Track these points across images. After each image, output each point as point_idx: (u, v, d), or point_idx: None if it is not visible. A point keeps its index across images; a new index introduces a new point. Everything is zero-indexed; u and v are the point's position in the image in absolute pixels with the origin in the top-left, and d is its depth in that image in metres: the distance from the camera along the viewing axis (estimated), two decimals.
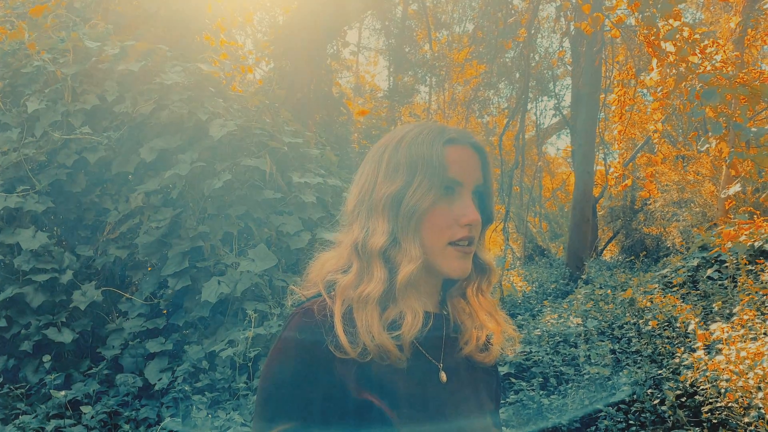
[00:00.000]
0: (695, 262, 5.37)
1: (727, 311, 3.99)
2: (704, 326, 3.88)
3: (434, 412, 0.96)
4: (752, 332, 3.07)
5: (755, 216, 5.70)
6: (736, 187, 3.87)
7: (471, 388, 1.05)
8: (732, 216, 5.98)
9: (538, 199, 23.40)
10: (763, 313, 3.58)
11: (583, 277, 7.88)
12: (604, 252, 16.50)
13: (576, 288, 6.89)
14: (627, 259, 14.00)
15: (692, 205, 10.83)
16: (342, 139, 7.63)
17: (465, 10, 18.48)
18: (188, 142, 3.39)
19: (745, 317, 3.21)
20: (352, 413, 0.89)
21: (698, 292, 4.89)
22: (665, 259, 11.98)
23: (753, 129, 3.91)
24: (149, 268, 3.37)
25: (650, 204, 12.50)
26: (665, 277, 5.69)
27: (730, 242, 3.86)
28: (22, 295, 3.03)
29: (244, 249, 3.29)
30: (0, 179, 3.17)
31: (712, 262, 5.44)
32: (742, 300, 3.68)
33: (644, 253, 11.03)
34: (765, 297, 3.81)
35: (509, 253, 13.31)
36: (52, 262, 3.14)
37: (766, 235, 5.29)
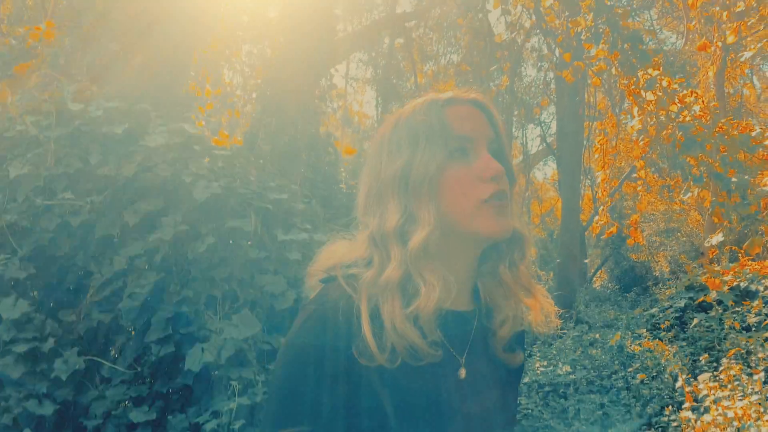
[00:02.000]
0: (682, 303, 5.39)
1: (714, 363, 4.00)
2: (693, 376, 3.88)
3: (446, 407, 0.91)
4: (740, 388, 3.07)
5: (740, 255, 5.75)
6: (719, 237, 3.91)
7: (491, 387, 0.99)
8: (717, 252, 6.00)
9: (527, 221, 23.52)
10: (749, 366, 3.59)
11: (573, 314, 7.88)
12: (595, 279, 16.56)
13: (567, 326, 6.90)
14: (616, 287, 14.06)
15: (679, 234, 10.94)
16: (330, 178, 7.65)
17: (450, 41, 18.66)
18: (172, 205, 3.38)
19: (732, 372, 3.21)
20: (363, 416, 0.85)
21: (686, 336, 4.90)
22: (654, 288, 12.03)
23: (733, 179, 3.96)
24: (133, 332, 3.34)
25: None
26: (653, 316, 5.71)
27: (714, 292, 3.88)
28: (1, 367, 2.98)
29: (229, 313, 3.26)
30: None
31: (699, 302, 5.47)
32: (729, 352, 3.69)
33: (634, 288, 11.09)
34: (751, 346, 3.83)
35: None
36: (33, 330, 3.11)
37: (750, 275, 5.34)
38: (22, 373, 2.99)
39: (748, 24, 4.04)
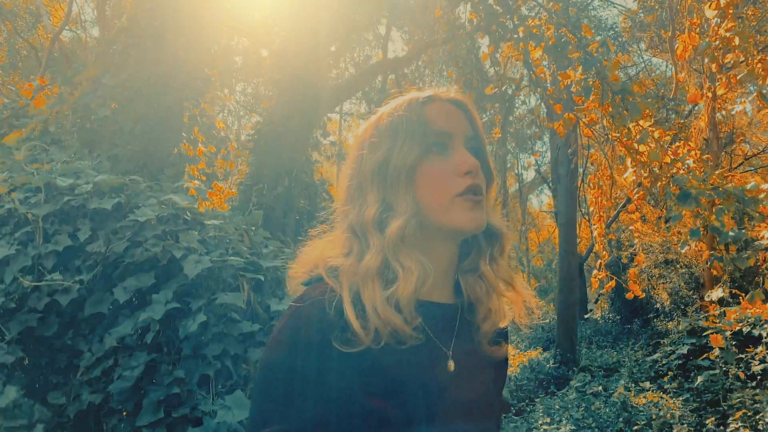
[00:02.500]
0: (685, 350, 5.32)
1: (721, 420, 3.91)
2: None
3: (437, 400, 0.92)
4: None
5: (741, 297, 5.69)
6: (718, 293, 3.86)
7: (478, 380, 1.01)
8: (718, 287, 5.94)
9: (525, 253, 23.44)
10: (758, 430, 3.51)
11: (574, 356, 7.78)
12: (596, 308, 16.44)
13: (569, 370, 6.81)
14: (617, 317, 13.95)
15: (678, 265, 10.89)
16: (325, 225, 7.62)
17: (442, 75, 18.83)
18: (163, 280, 3.33)
19: None
20: (357, 418, 0.85)
21: (690, 386, 4.82)
22: (656, 320, 11.95)
23: (730, 233, 3.92)
24: (124, 413, 3.25)
25: (636, 265, 12.59)
26: (656, 362, 5.63)
27: (717, 349, 3.82)
28: None
29: (222, 392, 3.19)
30: None
31: (702, 348, 5.39)
32: (736, 412, 3.61)
33: (635, 320, 11.00)
34: (758, 404, 3.75)
35: None
36: (22, 418, 3.02)
37: (753, 319, 5.27)
38: None
39: (738, 77, 4.05)
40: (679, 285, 11.06)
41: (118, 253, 3.34)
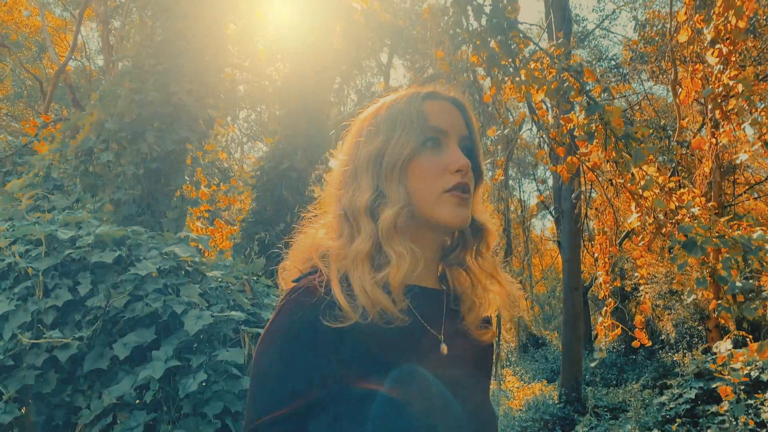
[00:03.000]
0: (693, 394, 5.23)
1: None
2: None
3: (436, 386, 0.93)
4: None
5: (749, 340, 5.62)
6: (727, 344, 3.81)
7: (470, 363, 1.04)
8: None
9: (528, 280, 23.34)
10: None
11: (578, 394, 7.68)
12: (600, 338, 16.30)
13: (574, 411, 6.71)
14: (621, 347, 13.81)
15: (682, 296, 10.82)
16: None
17: None
18: (163, 336, 3.29)
19: None
20: (353, 401, 0.86)
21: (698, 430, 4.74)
22: (661, 352, 11.83)
23: (738, 283, 3.88)
24: None
25: (641, 296, 12.51)
26: (664, 405, 5.54)
27: (726, 401, 3.75)
28: None
29: None
30: None
31: (710, 393, 5.31)
32: None
33: (640, 351, 10.94)
34: None
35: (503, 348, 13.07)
36: None
37: (761, 362, 5.20)
38: None
39: (742, 127, 4.05)
40: (684, 316, 10.96)
41: (119, 308, 3.31)
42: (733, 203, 14.89)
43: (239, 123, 19.63)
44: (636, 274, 11.17)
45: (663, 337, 12.27)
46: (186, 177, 4.99)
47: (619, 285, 8.29)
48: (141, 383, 3.10)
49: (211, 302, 3.49)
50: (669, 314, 11.80)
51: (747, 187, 14.79)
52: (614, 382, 10.67)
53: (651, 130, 12.88)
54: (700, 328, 10.87)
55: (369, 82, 24.54)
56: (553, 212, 14.74)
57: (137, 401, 3.21)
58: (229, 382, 3.31)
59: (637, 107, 14.93)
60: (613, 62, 13.23)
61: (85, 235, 3.57)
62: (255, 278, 3.89)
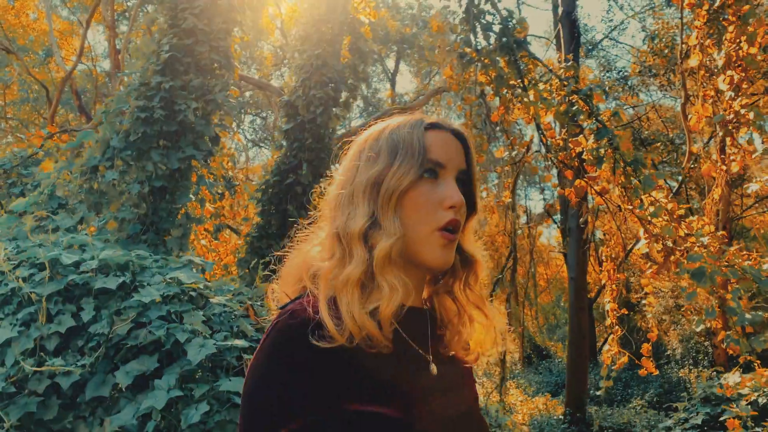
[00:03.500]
0: (699, 420, 5.18)
1: None
2: None
3: (425, 402, 0.94)
4: None
5: (756, 365, 5.57)
6: (735, 378, 3.75)
7: (459, 384, 1.06)
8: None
9: (534, 289, 23.26)
10: None
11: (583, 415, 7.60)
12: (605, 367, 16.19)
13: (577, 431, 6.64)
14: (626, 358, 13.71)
15: (688, 312, 10.76)
16: None
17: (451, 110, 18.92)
18: (165, 363, 3.27)
19: None
20: (346, 422, 0.85)
21: None
22: (666, 367, 11.74)
23: (748, 316, 3.84)
24: None
25: (647, 308, 12.43)
26: (670, 430, 5.48)
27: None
28: None
29: None
30: None
31: (716, 418, 5.25)
32: None
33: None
34: None
35: (507, 364, 13.01)
36: None
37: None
38: None
39: (753, 156, 4.00)
40: (690, 332, 10.88)
41: (122, 335, 3.28)
42: (741, 216, 14.80)
43: (244, 129, 19.66)
44: (642, 289, 11.10)
45: (669, 352, 12.19)
46: (191, 196, 4.97)
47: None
48: (143, 413, 3.08)
49: (215, 329, 3.47)
50: (675, 329, 11.72)
51: (755, 200, 14.70)
52: (619, 397, 10.59)
53: (659, 144, 12.81)
54: (706, 344, 10.79)
55: (375, 88, 24.47)
56: (558, 223, 14.69)
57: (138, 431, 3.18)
58: (232, 412, 3.28)
59: (645, 118, 14.86)
60: (621, 74, 13.18)
61: (89, 259, 3.54)
62: (258, 303, 3.86)
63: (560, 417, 8.07)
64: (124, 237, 4.55)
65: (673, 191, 12.68)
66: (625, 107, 15.23)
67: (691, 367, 11.16)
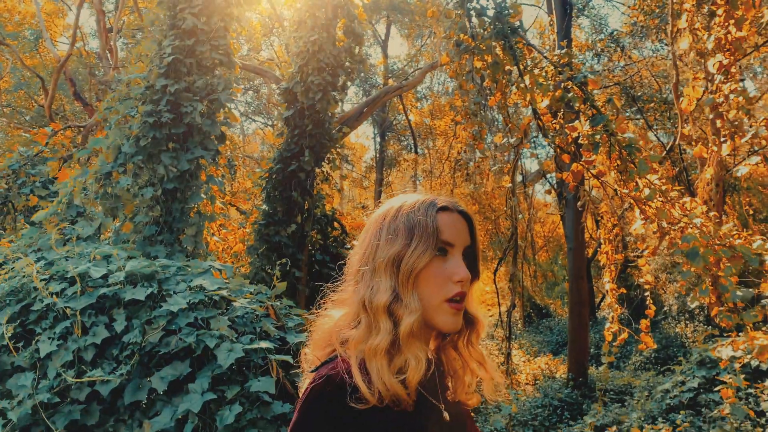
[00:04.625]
0: (695, 383, 5.47)
1: None
2: None
3: None
4: None
5: (748, 328, 5.84)
6: (728, 350, 3.99)
7: (463, 422, 1.24)
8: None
9: (531, 246, 23.58)
10: None
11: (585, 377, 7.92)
12: (604, 305, 16.61)
13: (581, 395, 6.97)
14: (627, 314, 14.09)
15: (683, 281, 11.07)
16: (337, 257, 7.77)
17: (446, 83, 18.82)
18: (197, 367, 3.49)
19: None
20: None
21: (701, 424, 4.98)
22: (664, 323, 12.11)
23: (738, 292, 4.06)
24: None
25: (643, 268, 12.78)
26: (668, 392, 5.79)
27: (728, 404, 3.96)
28: None
29: None
30: (15, 430, 3.24)
31: (712, 381, 5.54)
32: None
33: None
34: None
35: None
36: None
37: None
38: None
39: (742, 140, 4.16)
40: (687, 288, 11.18)
41: (154, 342, 3.50)
42: (735, 168, 14.96)
43: (237, 103, 19.58)
44: (636, 245, 11.33)
45: (666, 308, 12.55)
46: (202, 195, 5.12)
47: (621, 259, 8.46)
48: (181, 416, 3.32)
49: (240, 331, 3.68)
50: (671, 285, 12.05)
51: (749, 152, 14.87)
52: (619, 354, 10.97)
53: (652, 104, 12.87)
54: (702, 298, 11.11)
55: (367, 54, 24.28)
56: (554, 186, 14.86)
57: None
58: (262, 409, 3.52)
59: (638, 77, 14.90)
60: (614, 36, 13.14)
61: (116, 270, 3.73)
62: (278, 303, 4.06)
63: (562, 378, 8.44)
64: (140, 239, 4.72)
65: (667, 149, 12.82)
66: (617, 66, 15.23)
67: (687, 322, 11.51)
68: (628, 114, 18.49)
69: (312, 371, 1.14)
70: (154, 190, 4.79)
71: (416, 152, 17.95)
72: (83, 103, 12.38)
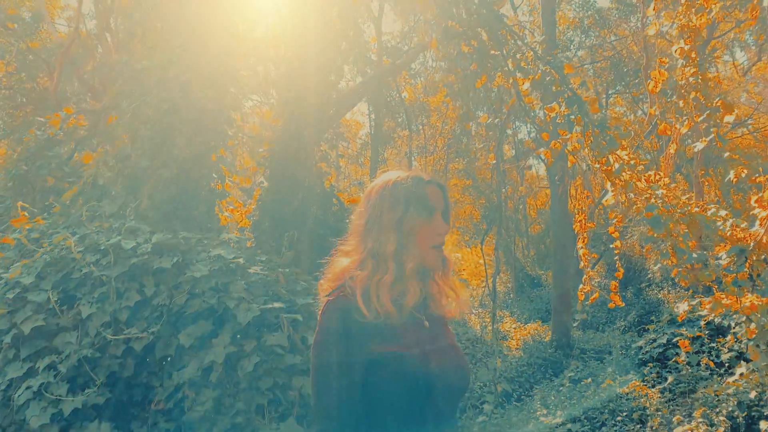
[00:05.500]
0: (664, 339, 6.03)
1: (690, 410, 4.64)
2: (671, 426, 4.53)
3: (423, 346, 1.59)
4: None
5: (714, 289, 6.38)
6: (684, 306, 4.52)
7: (440, 330, 1.70)
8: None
9: (525, 220, 24.12)
10: (713, 425, 4.23)
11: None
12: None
13: (564, 355, 7.54)
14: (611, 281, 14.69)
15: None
16: (337, 231, 8.25)
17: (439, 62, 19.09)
18: (219, 326, 4.00)
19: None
20: (373, 359, 1.51)
21: (667, 375, 5.55)
22: (648, 290, 12.70)
23: (694, 255, 4.60)
24: None
25: (627, 238, 13.36)
26: (641, 349, 6.35)
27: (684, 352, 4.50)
28: None
29: (275, 417, 3.89)
30: (64, 380, 3.75)
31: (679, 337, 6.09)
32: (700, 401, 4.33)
33: (629, 287, 11.77)
34: (720, 396, 4.46)
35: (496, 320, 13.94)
36: None
37: (723, 311, 5.96)
38: None
39: (699, 119, 4.65)
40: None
41: (180, 305, 3.99)
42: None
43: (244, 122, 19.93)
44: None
45: (649, 275, 13.15)
46: (214, 175, 5.59)
47: (594, 226, 8.93)
48: (206, 366, 3.83)
49: (255, 294, 4.18)
50: (655, 253, 12.61)
51: (732, 124, 15.35)
52: (603, 320, 11.56)
53: (637, 79, 13.29)
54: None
55: (360, 28, 24.37)
56: (542, 158, 15.28)
57: (202, 381, 3.94)
58: (276, 360, 4.04)
59: (625, 52, 15.27)
60: (601, 13, 13.51)
61: (144, 242, 4.22)
62: (286, 270, 4.56)
63: (548, 342, 9.03)
64: (160, 215, 5.20)
65: (651, 123, 13.27)
66: (605, 42, 15.59)
67: (670, 289, 12.09)
68: (618, 88, 18.93)
69: (326, 296, 1.63)
70: (170, 171, 5.25)
71: (410, 129, 18.33)
72: (86, 85, 12.75)
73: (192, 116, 5.35)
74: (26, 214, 4.69)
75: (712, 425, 4.15)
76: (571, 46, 15.18)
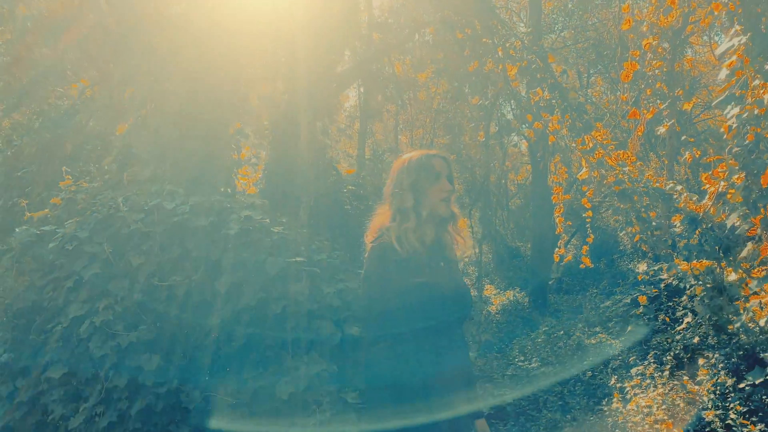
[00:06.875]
0: (629, 299, 6.85)
1: (643, 358, 5.47)
2: (629, 367, 5.34)
3: (439, 277, 2.24)
4: (652, 383, 4.51)
5: (673, 256, 7.20)
6: (644, 267, 5.29)
7: (453, 268, 2.37)
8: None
9: (505, 194, 24.94)
10: (662, 364, 5.04)
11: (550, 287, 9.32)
12: (569, 247, 18.16)
13: (540, 314, 8.35)
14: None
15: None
16: (335, 203, 8.93)
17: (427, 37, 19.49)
18: (251, 276, 4.68)
19: (647, 372, 4.65)
20: (406, 283, 2.16)
21: (630, 329, 6.38)
22: (619, 261, 13.60)
23: (653, 223, 5.36)
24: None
25: (602, 212, 14.27)
26: (608, 309, 7.18)
27: (642, 305, 5.30)
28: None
29: (299, 352, 4.61)
30: (122, 320, 4.42)
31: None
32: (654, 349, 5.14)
33: (603, 259, 12.69)
34: (669, 344, 5.28)
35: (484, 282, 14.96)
36: (161, 377, 4.43)
37: (680, 274, 6.78)
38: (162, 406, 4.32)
39: (663, 106, 5.38)
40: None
41: (216, 257, 4.65)
42: (693, 122, 16.26)
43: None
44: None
45: (621, 247, 14.07)
46: (232, 146, 6.21)
47: (569, 198, 9.67)
48: (240, 309, 4.51)
49: (279, 250, 4.86)
50: (623, 223, 13.56)
51: (703, 107, 16.20)
52: (577, 287, 12.46)
53: (616, 61, 13.98)
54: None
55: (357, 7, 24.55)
56: (524, 132, 15.90)
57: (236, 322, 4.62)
58: (298, 305, 4.73)
59: (606, 33, 15.95)
60: None
61: (181, 203, 4.85)
62: (303, 230, 5.23)
63: (526, 303, 9.90)
64: (187, 178, 5.84)
65: (630, 104, 13.99)
66: (587, 24, 16.24)
67: (639, 260, 13.02)
68: (599, 68, 19.65)
69: (371, 242, 2.36)
70: (193, 141, 5.87)
71: (398, 104, 18.89)
72: (86, 53, 13.12)
73: (213, 97, 5.95)
74: (70, 177, 5.28)
75: (661, 364, 4.95)
76: (555, 27, 15.87)
